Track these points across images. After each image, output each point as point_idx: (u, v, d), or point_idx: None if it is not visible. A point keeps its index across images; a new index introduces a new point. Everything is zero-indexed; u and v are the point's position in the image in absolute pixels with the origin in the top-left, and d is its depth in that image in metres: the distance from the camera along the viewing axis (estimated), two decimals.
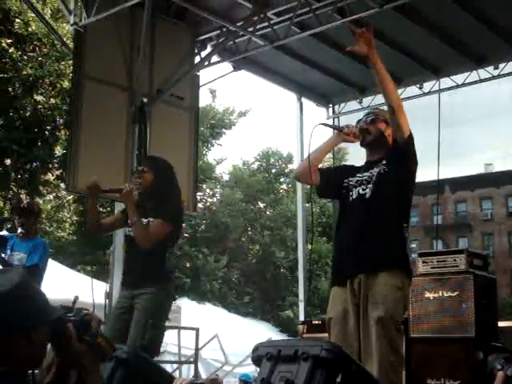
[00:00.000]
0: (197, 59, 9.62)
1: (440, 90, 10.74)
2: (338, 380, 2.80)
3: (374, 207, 4.07)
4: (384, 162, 4.15)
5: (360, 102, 11.48)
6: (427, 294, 6.77)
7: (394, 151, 4.11)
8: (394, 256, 4.01)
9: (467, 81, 10.47)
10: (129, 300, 4.81)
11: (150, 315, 4.66)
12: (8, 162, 17.61)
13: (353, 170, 4.34)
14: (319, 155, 4.56)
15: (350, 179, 4.25)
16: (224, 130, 26.04)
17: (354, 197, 4.17)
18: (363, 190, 4.14)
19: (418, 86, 10.88)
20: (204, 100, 25.32)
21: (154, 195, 4.86)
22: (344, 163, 15.54)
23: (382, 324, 3.83)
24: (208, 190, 26.27)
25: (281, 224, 25.40)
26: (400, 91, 11.00)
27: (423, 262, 7.07)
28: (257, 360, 3.06)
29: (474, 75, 10.36)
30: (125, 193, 4.74)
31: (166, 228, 4.74)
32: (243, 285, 25.28)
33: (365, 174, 4.20)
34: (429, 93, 10.85)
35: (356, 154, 13.02)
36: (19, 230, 6.22)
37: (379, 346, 3.82)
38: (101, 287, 9.14)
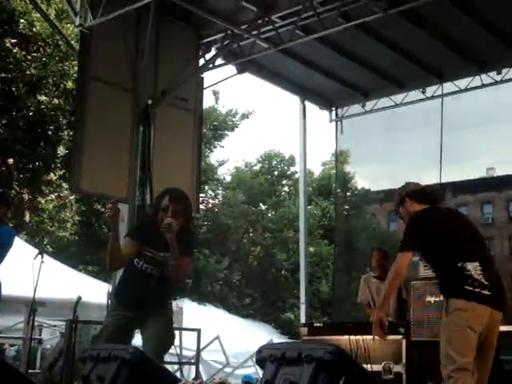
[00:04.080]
0: (201, 61, 9.65)
1: (443, 95, 10.78)
2: (341, 383, 2.83)
3: None
4: None
5: (363, 106, 11.52)
6: (428, 298, 6.79)
7: None
8: None
9: (470, 86, 10.51)
10: (131, 320, 4.82)
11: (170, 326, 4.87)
12: (11, 161, 17.65)
13: None
14: None
15: None
16: (226, 131, 26.04)
17: None
18: None
19: (420, 90, 10.92)
20: (207, 101, 25.38)
21: (179, 235, 4.72)
22: (346, 166, 15.58)
23: None
24: (210, 192, 26.27)
25: (282, 226, 25.40)
26: (403, 95, 11.06)
27: (424, 266, 7.09)
28: (260, 362, 3.09)
29: (476, 80, 10.39)
30: (172, 229, 4.61)
31: (190, 262, 4.90)
32: (244, 286, 25.29)
33: None
34: (432, 97, 10.87)
35: (358, 156, 13.06)
36: None
37: None
38: (103, 287, 9.19)
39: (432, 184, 10.47)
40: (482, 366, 4.44)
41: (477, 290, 4.33)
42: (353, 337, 6.86)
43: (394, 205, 5.04)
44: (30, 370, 8.05)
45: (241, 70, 10.10)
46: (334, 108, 11.93)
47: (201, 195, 22.83)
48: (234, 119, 26.08)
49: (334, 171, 18.37)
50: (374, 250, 8.56)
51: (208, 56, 9.67)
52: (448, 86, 10.73)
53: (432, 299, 6.76)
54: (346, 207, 17.60)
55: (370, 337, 6.84)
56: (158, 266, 4.79)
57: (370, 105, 11.47)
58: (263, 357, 3.05)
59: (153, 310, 4.80)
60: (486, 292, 4.34)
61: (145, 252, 4.80)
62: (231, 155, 52.23)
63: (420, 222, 4.70)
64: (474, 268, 4.38)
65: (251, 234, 26.75)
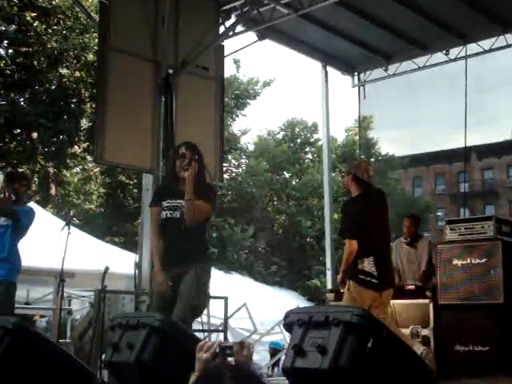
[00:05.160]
0: (221, 29, 9.58)
1: (467, 56, 10.61)
2: (369, 345, 2.83)
3: None
4: None
5: (386, 70, 11.37)
6: (455, 262, 6.78)
7: None
8: None
9: (494, 46, 10.32)
10: (174, 279, 5.10)
11: (199, 282, 5.04)
12: (35, 135, 17.77)
13: None
14: None
15: None
16: (248, 100, 25.95)
17: None
18: None
19: (444, 52, 10.75)
20: (228, 70, 25.23)
21: (195, 181, 5.21)
22: (369, 131, 15.50)
23: None
24: (233, 161, 26.27)
25: (307, 194, 25.37)
26: (426, 58, 10.91)
27: (451, 230, 7.07)
28: (288, 326, 3.10)
29: (501, 40, 10.21)
30: (191, 168, 5.14)
31: (209, 208, 5.28)
32: (270, 254, 25.37)
33: None
34: (455, 59, 10.71)
35: (381, 121, 12.94)
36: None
37: None
38: (130, 258, 9.26)
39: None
40: None
41: (367, 278, 5.75)
42: None
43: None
44: (60, 340, 8.15)
45: (261, 37, 10.02)
46: (356, 73, 11.80)
47: (224, 164, 22.86)
48: (255, 87, 25.96)
49: (358, 137, 18.30)
50: (404, 217, 8.57)
51: (228, 23, 9.59)
52: (472, 47, 10.55)
53: (459, 262, 6.74)
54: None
55: (397, 301, 6.89)
56: (177, 211, 5.23)
57: (392, 68, 11.32)
58: (290, 321, 3.06)
59: (188, 262, 5.05)
60: (374, 280, 5.74)
61: (163, 203, 5.32)
62: (253, 124, 52.19)
63: (355, 210, 5.97)
64: (368, 262, 5.77)
65: (275, 203, 26.77)
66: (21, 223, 6.41)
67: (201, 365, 2.56)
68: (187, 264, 5.06)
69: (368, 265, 5.75)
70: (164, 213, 5.31)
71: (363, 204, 6.01)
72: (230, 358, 2.53)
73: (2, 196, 6.38)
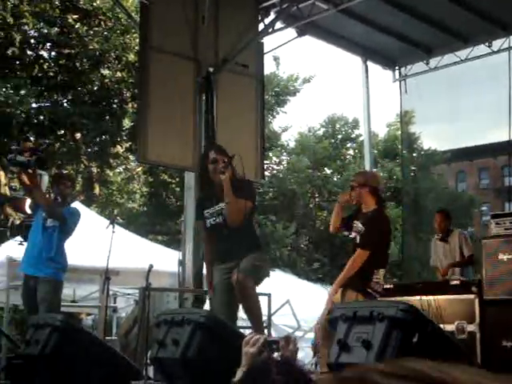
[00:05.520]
0: (261, 26, 9.59)
1: (510, 48, 10.44)
2: (415, 340, 2.82)
3: None
4: None
5: (427, 64, 11.26)
6: (501, 256, 6.68)
7: None
8: None
9: None
10: (232, 271, 5.19)
11: (256, 260, 5.30)
12: (78, 136, 18.00)
13: None
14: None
15: None
16: (288, 97, 25.90)
17: None
18: None
19: (486, 44, 10.59)
20: (268, 68, 25.21)
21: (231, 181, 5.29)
22: (411, 126, 15.34)
23: None
24: (274, 158, 26.25)
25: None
26: (468, 50, 10.77)
27: (496, 224, 6.97)
28: (332, 321, 3.10)
29: None
30: (228, 170, 5.20)
31: (250, 205, 5.34)
32: (312, 251, 25.31)
33: None
34: (498, 51, 10.55)
35: (423, 116, 12.82)
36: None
37: None
38: (174, 255, 9.33)
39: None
40: None
41: (380, 290, 5.50)
42: (424, 297, 6.82)
43: (355, 180, 6.01)
44: (106, 338, 8.26)
45: (301, 33, 10.01)
46: (397, 67, 11.71)
47: (265, 162, 22.86)
48: (295, 84, 25.89)
49: (400, 132, 18.12)
50: (435, 213, 8.49)
51: (267, 20, 9.59)
52: None
53: (504, 257, 6.64)
54: (413, 168, 17.38)
55: (442, 297, 6.82)
56: (220, 216, 5.36)
57: (433, 62, 11.20)
58: (335, 316, 3.06)
59: (242, 253, 5.18)
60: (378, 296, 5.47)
61: (205, 213, 5.45)
62: (294, 121, 52.09)
63: (381, 223, 5.75)
64: (381, 274, 5.52)
65: (317, 199, 26.69)
66: (67, 225, 6.53)
67: (248, 359, 2.57)
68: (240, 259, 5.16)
69: (381, 276, 5.69)
70: (208, 221, 5.44)
71: (386, 217, 6.17)
72: (275, 353, 2.54)
73: (48, 197, 6.51)
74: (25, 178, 6.29)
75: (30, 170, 6.22)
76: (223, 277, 5.34)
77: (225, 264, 5.33)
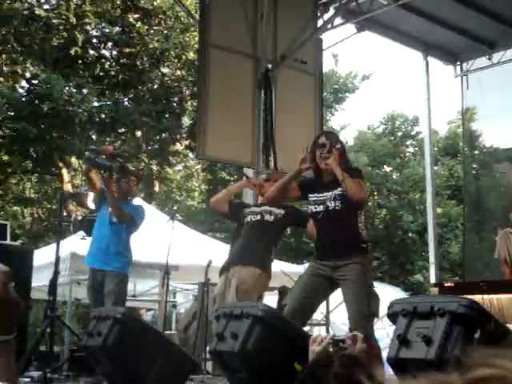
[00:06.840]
0: (319, 22, 9.56)
1: None
2: (476, 336, 2.77)
3: None
4: None
5: (489, 58, 11.05)
6: None
7: None
8: None
9: None
10: (329, 270, 4.81)
11: (363, 284, 4.73)
12: (139, 134, 18.24)
13: None
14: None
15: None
16: (347, 94, 25.77)
17: None
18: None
19: None
20: (326, 65, 25.13)
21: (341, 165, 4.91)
22: (473, 123, 15.07)
23: None
24: None
25: (408, 188, 24.95)
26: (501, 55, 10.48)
27: None
28: (392, 316, 3.07)
29: None
30: (334, 154, 4.83)
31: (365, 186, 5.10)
32: (371, 249, 25.12)
33: None
34: None
35: (485, 112, 12.56)
36: None
37: None
38: None
39: None
40: None
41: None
42: (486, 296, 6.69)
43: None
44: (165, 332, 8.35)
45: (360, 29, 9.95)
46: (458, 62, 11.53)
47: None
48: (354, 81, 25.75)
49: (461, 129, 17.82)
50: (508, 205, 8.32)
51: (326, 16, 9.56)
52: None
53: None
54: (475, 166, 17.07)
55: (505, 296, 6.68)
56: (324, 204, 4.92)
57: (496, 57, 10.99)
58: (395, 311, 3.03)
59: (345, 252, 4.81)
60: None
61: (310, 199, 5.00)
62: (352, 118, 51.74)
63: None
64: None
65: (376, 197, 26.47)
66: (136, 223, 6.59)
67: (313, 357, 2.56)
68: (347, 256, 4.81)
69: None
70: (312, 207, 5.01)
71: None
72: (343, 352, 2.50)
73: (114, 186, 6.43)
74: (110, 184, 6.27)
75: (111, 175, 6.22)
76: (314, 272, 4.94)
77: (323, 259, 4.94)
